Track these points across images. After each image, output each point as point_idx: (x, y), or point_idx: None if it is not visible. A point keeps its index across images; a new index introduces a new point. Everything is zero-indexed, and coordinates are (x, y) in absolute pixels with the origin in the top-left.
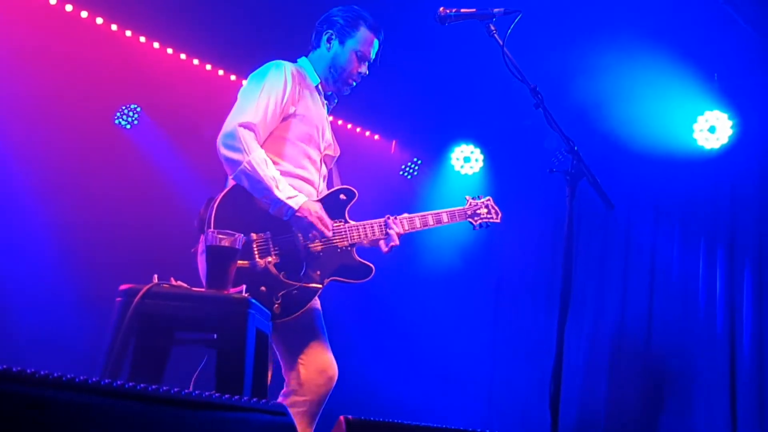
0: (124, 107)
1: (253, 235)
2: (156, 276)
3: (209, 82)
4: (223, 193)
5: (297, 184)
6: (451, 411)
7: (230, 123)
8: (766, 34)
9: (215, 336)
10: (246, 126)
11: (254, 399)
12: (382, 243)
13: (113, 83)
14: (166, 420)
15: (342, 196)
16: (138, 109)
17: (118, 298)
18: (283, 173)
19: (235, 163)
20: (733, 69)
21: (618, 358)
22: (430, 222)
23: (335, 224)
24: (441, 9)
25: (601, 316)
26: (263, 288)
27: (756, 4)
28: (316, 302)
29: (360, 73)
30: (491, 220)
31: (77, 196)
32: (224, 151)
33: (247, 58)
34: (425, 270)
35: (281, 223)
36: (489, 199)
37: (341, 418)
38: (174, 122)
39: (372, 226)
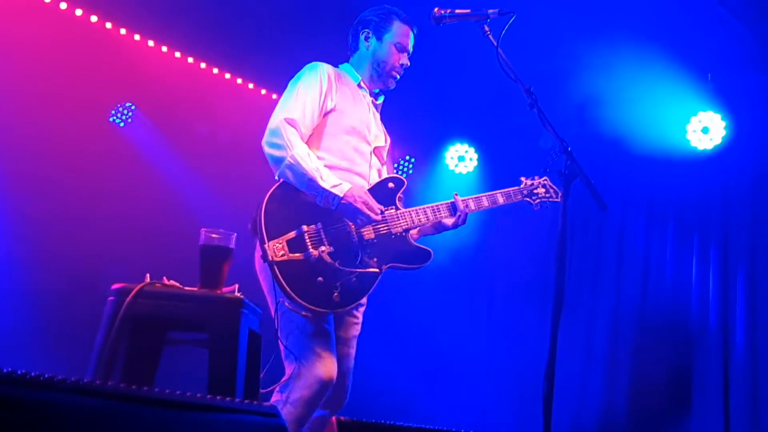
0: (118, 105)
1: (305, 227)
2: (148, 275)
3: (203, 80)
4: (270, 191)
5: (346, 177)
6: (445, 412)
7: (272, 122)
8: (759, 34)
9: (207, 336)
10: (288, 122)
11: (246, 401)
12: (448, 221)
13: (107, 81)
14: (158, 421)
15: (390, 185)
16: (132, 107)
17: (110, 297)
18: (331, 167)
19: (279, 160)
20: (727, 70)
21: (612, 358)
22: (485, 203)
23: (387, 211)
24: (436, 9)
25: (595, 316)
26: (320, 278)
27: (749, 5)
28: (358, 328)
29: (402, 64)
30: (551, 200)
31: (70, 193)
32: (268, 150)
33: (241, 57)
34: (418, 271)
35: (332, 213)
36: (546, 179)
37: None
38: (168, 120)
39: (437, 208)
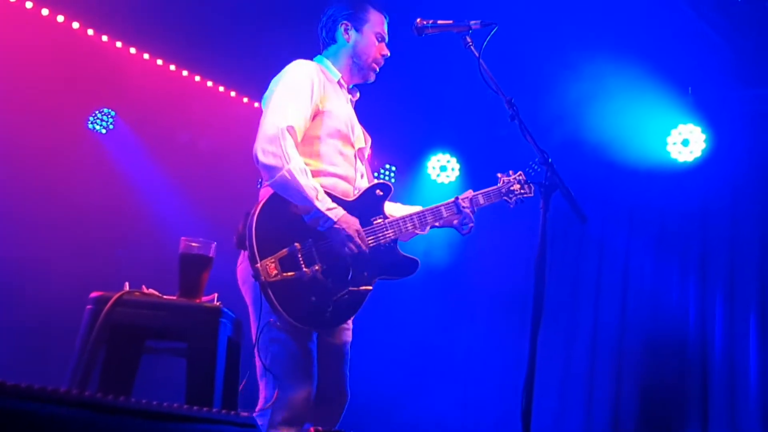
0: (97, 111)
1: (297, 245)
2: (127, 284)
3: (186, 88)
4: (260, 206)
5: (332, 182)
6: (424, 423)
7: (268, 128)
8: (738, 48)
9: (186, 345)
10: (288, 130)
11: (224, 411)
12: (456, 223)
13: (89, 88)
14: (135, 431)
15: (378, 192)
16: (112, 114)
17: (89, 306)
18: (319, 172)
19: (273, 170)
20: (707, 83)
21: (591, 369)
22: (466, 205)
23: (376, 221)
24: (418, 20)
25: (575, 329)
26: (313, 297)
27: (728, 19)
28: (349, 334)
29: (383, 55)
30: (525, 195)
31: (48, 200)
32: (263, 158)
33: (224, 65)
34: (396, 283)
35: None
36: (520, 174)
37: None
38: (150, 128)
39: (423, 215)
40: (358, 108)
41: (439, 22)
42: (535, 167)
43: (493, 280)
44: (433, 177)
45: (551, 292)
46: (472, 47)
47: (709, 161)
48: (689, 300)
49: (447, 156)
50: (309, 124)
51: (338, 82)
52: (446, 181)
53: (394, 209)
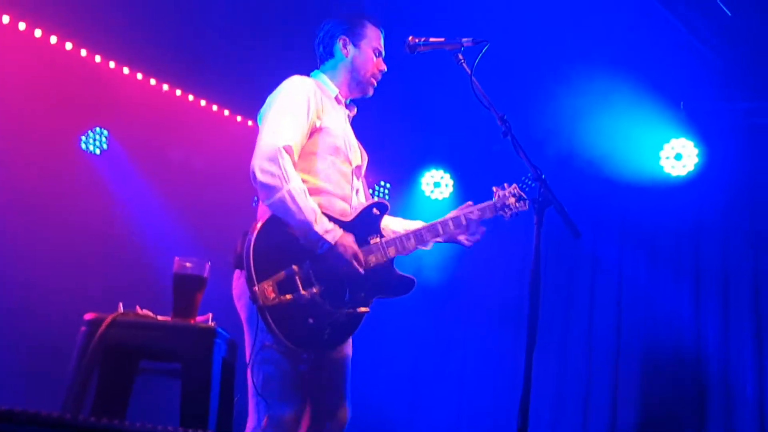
0: (90, 132)
1: (295, 267)
2: (121, 305)
3: (179, 107)
4: (257, 228)
5: (328, 201)
6: None
7: (266, 146)
8: (729, 63)
9: (180, 366)
10: (285, 150)
11: None
12: (462, 238)
13: (82, 108)
14: None
15: (375, 211)
16: (106, 134)
17: (83, 328)
18: (316, 190)
19: (272, 190)
20: (699, 97)
21: (587, 384)
22: (463, 221)
23: (373, 241)
24: (410, 38)
25: (569, 343)
26: (311, 320)
27: (719, 34)
28: (350, 347)
29: (381, 70)
30: (521, 209)
31: (41, 221)
32: (261, 177)
33: (217, 84)
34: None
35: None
36: (515, 187)
37: None
38: (143, 147)
39: (419, 233)
40: (353, 124)
41: (431, 39)
42: (529, 182)
43: (487, 294)
44: (427, 193)
45: (546, 306)
46: (464, 64)
47: (702, 175)
48: (683, 313)
49: (441, 172)
50: (306, 141)
51: (335, 98)
52: (440, 197)
53: (395, 224)
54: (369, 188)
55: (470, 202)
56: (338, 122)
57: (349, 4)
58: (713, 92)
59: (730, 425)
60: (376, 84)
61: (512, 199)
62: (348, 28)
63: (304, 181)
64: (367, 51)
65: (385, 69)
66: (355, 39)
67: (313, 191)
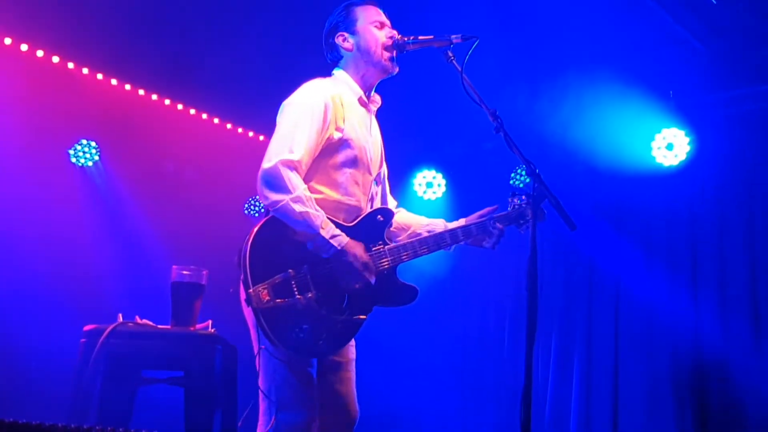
0: (78, 145)
1: (291, 271)
2: (121, 315)
3: (168, 117)
4: (256, 230)
5: (342, 215)
6: None
7: (271, 161)
8: (716, 52)
9: (182, 373)
10: (288, 164)
11: None
12: (486, 242)
13: (71, 121)
14: None
15: (379, 218)
16: (94, 145)
17: (83, 339)
18: (330, 202)
19: (278, 197)
20: (688, 87)
21: (586, 377)
22: (474, 231)
23: (375, 248)
24: (399, 37)
25: (569, 337)
26: (306, 326)
27: (705, 24)
28: (353, 350)
29: (390, 37)
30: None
31: (35, 234)
32: (266, 191)
33: (206, 92)
34: None
35: (318, 255)
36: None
37: None
38: (133, 158)
39: (424, 241)
40: (378, 116)
41: (420, 37)
42: (522, 177)
43: (485, 292)
44: (420, 194)
45: (544, 300)
46: (454, 62)
47: (693, 164)
48: (681, 301)
49: (433, 172)
50: (319, 150)
51: (359, 100)
52: (433, 197)
53: (415, 223)
54: (390, 191)
55: (489, 208)
56: (360, 130)
57: (336, 2)
58: (701, 81)
59: (726, 413)
60: (393, 55)
61: (530, 211)
62: (339, 21)
63: (321, 192)
64: (366, 29)
65: (396, 34)
66: (350, 27)
67: (330, 203)
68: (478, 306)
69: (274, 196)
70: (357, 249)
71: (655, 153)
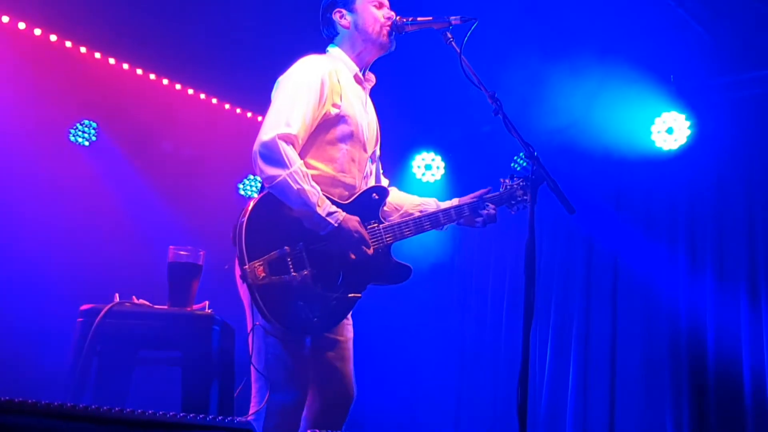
0: (78, 124)
1: (287, 248)
2: (117, 295)
3: (166, 96)
4: (251, 207)
5: (338, 191)
6: (418, 421)
7: (268, 134)
8: (718, 35)
9: (179, 354)
10: (285, 138)
11: (219, 417)
12: (477, 222)
13: (69, 100)
14: None
15: (375, 196)
16: (94, 125)
17: (79, 319)
18: (326, 178)
19: (274, 174)
20: (689, 71)
21: (584, 362)
22: (466, 211)
23: (369, 226)
24: (397, 18)
25: (567, 320)
26: (301, 302)
27: (707, 7)
28: (350, 329)
29: (388, 17)
30: (525, 201)
31: (33, 213)
32: (262, 165)
33: (204, 72)
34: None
35: (314, 232)
36: (523, 180)
37: None
38: (131, 137)
39: (419, 220)
40: (372, 95)
41: (419, 18)
42: (521, 161)
43: (484, 275)
44: (419, 176)
45: (543, 283)
46: (453, 43)
47: (693, 148)
48: (679, 284)
49: (431, 154)
50: (315, 126)
51: (355, 77)
52: (431, 179)
53: (408, 203)
54: (383, 171)
55: (485, 190)
56: (357, 107)
57: None
58: (703, 65)
59: (724, 392)
60: (391, 34)
61: (520, 192)
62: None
63: (316, 167)
64: (365, 7)
65: (393, 15)
66: (348, 5)
67: (325, 179)
68: (476, 287)
69: (271, 171)
70: (353, 222)
71: (655, 137)
